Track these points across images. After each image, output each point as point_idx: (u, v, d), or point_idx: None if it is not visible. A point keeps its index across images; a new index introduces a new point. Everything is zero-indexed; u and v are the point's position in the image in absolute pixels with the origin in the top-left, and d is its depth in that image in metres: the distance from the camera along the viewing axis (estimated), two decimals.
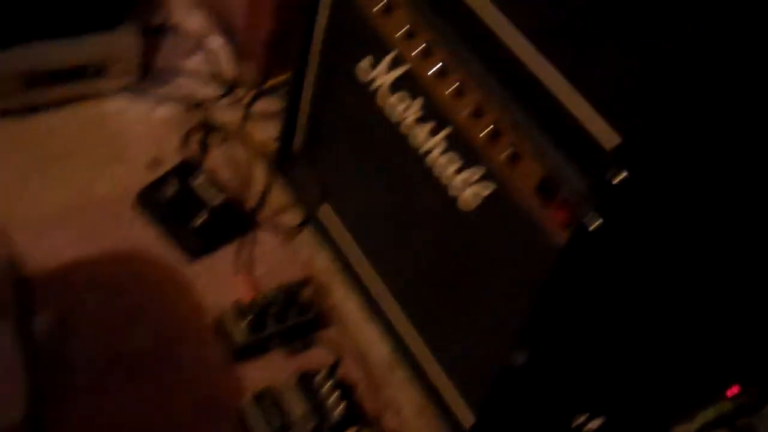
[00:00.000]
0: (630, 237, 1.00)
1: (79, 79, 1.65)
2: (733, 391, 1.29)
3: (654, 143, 0.92)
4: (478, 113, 1.11)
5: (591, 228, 0.96)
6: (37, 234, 1.44)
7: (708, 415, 1.35)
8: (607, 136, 0.95)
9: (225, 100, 1.73)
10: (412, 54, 1.18)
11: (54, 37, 1.59)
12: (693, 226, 1.02)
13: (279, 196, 1.59)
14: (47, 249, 1.43)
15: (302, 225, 1.55)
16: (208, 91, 1.74)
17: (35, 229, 1.45)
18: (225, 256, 1.51)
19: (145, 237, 1.50)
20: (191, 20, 1.83)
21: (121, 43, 1.66)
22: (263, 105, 1.69)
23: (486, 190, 1.13)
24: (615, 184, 0.92)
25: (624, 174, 0.92)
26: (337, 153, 1.46)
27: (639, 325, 1.13)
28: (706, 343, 1.21)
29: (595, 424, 1.23)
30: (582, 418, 1.22)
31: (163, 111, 1.69)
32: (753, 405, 1.36)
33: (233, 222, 1.53)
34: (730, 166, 0.98)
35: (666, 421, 1.35)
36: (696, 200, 1.00)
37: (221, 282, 1.48)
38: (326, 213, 1.51)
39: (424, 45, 1.16)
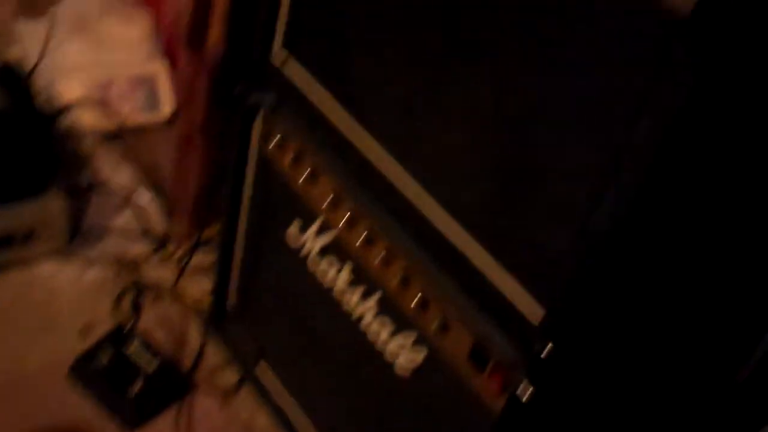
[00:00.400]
0: (564, 402, 1.01)
1: (6, 248, 1.64)
2: None
3: (579, 315, 0.94)
4: (405, 282, 1.12)
5: (524, 399, 0.97)
6: None
7: None
8: (532, 309, 0.96)
9: (156, 257, 1.72)
10: (338, 222, 1.20)
11: None
12: (622, 389, 1.04)
13: (215, 354, 1.57)
14: None
15: (240, 384, 1.53)
16: (138, 248, 1.73)
17: None
18: (164, 422, 1.48)
19: (81, 409, 1.46)
20: (118, 176, 1.83)
21: (49, 208, 1.65)
22: (196, 259, 1.68)
23: (419, 355, 1.14)
24: (544, 357, 0.94)
25: (551, 346, 0.94)
26: (272, 312, 1.45)
27: None
28: None
29: None
30: None
31: (94, 273, 1.68)
32: None
33: (170, 386, 1.51)
34: (649, 336, 1.01)
35: None
36: (623, 365, 1.02)
37: None
38: (264, 371, 1.50)
39: (348, 214, 1.18)
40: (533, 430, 1.02)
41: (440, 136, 1.02)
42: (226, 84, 1.40)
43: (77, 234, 1.72)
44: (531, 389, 0.97)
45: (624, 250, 0.87)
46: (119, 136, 1.85)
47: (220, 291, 1.54)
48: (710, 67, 0.74)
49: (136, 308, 1.62)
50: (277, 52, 1.21)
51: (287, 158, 1.26)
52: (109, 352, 1.50)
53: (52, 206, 1.65)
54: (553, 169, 0.91)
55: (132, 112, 1.84)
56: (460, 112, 0.99)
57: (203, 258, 1.69)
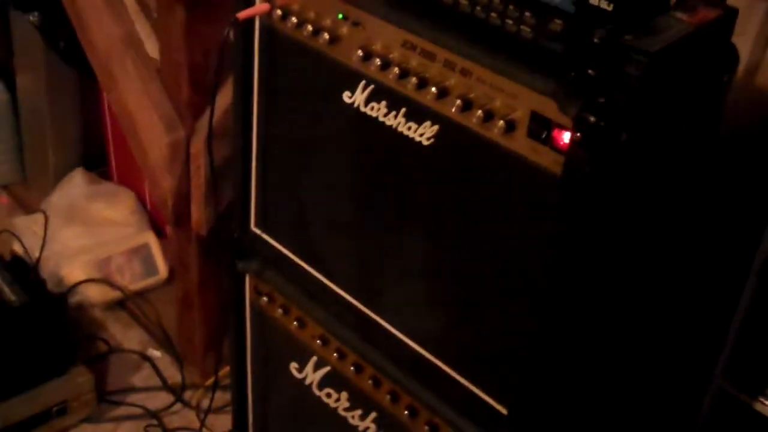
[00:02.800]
0: None
1: (44, 423, 1.84)
2: None
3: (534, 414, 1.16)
4: (395, 397, 1.34)
5: None
6: None
7: None
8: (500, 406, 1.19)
9: (178, 405, 1.93)
10: (330, 356, 1.42)
11: (14, 395, 1.80)
12: None
13: None
14: None
15: None
16: (161, 399, 1.94)
17: None
18: None
19: None
20: (130, 339, 2.05)
21: (75, 382, 1.86)
22: (214, 400, 1.90)
23: None
24: None
25: None
26: None
27: None
28: None
29: None
30: None
31: (125, 429, 1.89)
32: None
33: None
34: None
35: None
36: None
37: None
38: None
39: (336, 350, 1.40)
40: None
41: (395, 281, 1.26)
42: (213, 253, 1.64)
43: (103, 397, 1.94)
44: None
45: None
46: (125, 304, 2.08)
47: (240, 428, 1.75)
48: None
49: None
50: (253, 228, 1.45)
51: (277, 310, 1.48)
52: None
53: (78, 379, 1.87)
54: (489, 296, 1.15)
55: (132, 280, 2.07)
56: (406, 262, 1.23)
57: (220, 396, 1.90)
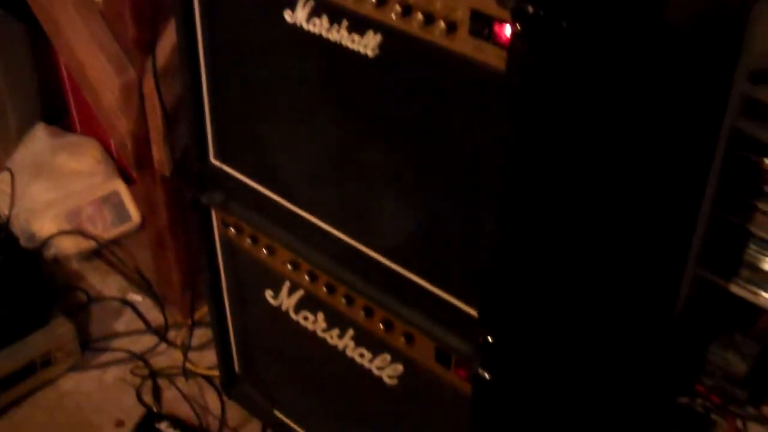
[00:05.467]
0: (517, 377, 1.25)
1: (31, 375, 1.86)
2: None
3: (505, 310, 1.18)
4: (369, 313, 1.35)
5: (487, 378, 1.20)
6: None
7: None
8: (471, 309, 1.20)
9: (162, 346, 1.95)
10: (303, 280, 1.43)
11: None
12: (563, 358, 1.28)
13: (235, 414, 1.80)
14: None
15: None
16: (144, 342, 1.96)
17: None
18: None
19: None
20: (109, 286, 2.06)
21: (57, 333, 1.87)
22: (199, 337, 1.91)
23: (398, 368, 1.37)
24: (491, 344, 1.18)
25: (491, 338, 1.18)
26: (273, 364, 1.68)
27: None
28: None
29: None
30: None
31: (112, 374, 1.91)
32: None
33: None
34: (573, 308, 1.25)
35: None
36: (558, 337, 1.26)
37: None
38: (279, 417, 1.73)
39: (308, 272, 1.41)
40: (499, 403, 1.25)
41: (357, 197, 1.26)
42: (179, 191, 1.63)
43: (88, 346, 1.95)
44: (487, 373, 1.20)
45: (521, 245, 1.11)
46: (101, 252, 2.08)
47: (225, 360, 1.76)
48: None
49: (157, 393, 1.85)
50: (213, 161, 1.45)
51: (246, 240, 1.49)
52: None
53: (59, 330, 1.88)
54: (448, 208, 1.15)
55: (105, 228, 2.07)
56: (366, 176, 1.23)
57: (204, 333, 1.92)
